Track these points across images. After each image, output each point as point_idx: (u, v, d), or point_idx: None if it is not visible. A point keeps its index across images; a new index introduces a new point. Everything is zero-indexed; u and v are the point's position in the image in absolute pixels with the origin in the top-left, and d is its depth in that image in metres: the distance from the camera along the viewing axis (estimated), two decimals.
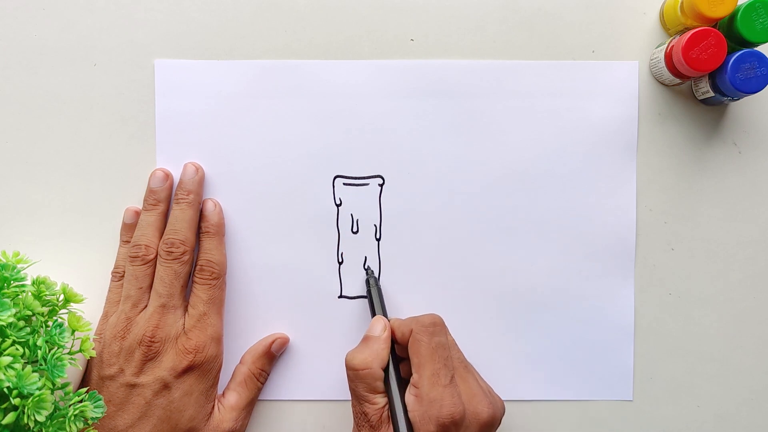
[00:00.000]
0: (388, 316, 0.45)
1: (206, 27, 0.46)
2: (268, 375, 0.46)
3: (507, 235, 0.46)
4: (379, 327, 0.42)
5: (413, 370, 0.40)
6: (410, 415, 0.39)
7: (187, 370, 0.42)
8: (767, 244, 0.47)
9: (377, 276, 0.46)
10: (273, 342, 0.45)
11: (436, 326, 0.41)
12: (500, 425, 0.42)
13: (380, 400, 0.40)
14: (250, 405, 0.45)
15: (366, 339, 0.42)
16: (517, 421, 0.47)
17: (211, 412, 0.43)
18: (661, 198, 0.47)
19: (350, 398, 0.42)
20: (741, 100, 0.46)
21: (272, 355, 0.45)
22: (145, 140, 0.46)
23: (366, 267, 0.46)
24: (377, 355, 0.41)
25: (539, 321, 0.46)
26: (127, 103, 0.46)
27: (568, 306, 0.46)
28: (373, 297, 0.45)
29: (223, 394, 0.45)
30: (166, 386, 0.41)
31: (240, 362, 0.46)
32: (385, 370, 0.41)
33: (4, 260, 0.36)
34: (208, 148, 0.46)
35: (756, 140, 0.47)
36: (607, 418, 0.47)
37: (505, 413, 0.44)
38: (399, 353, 0.43)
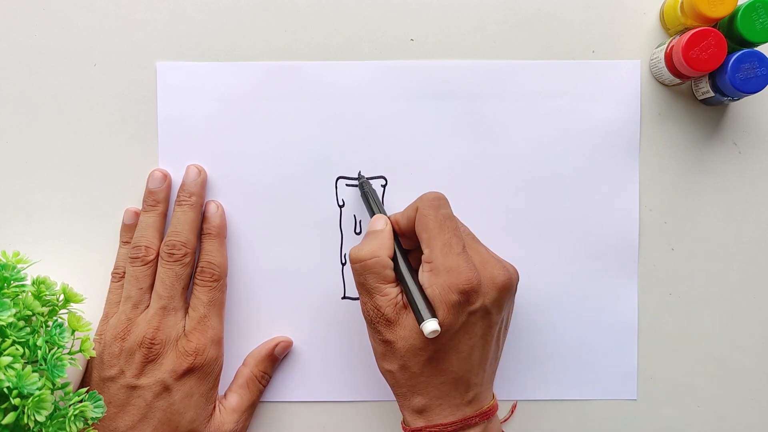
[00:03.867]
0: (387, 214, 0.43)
1: (206, 27, 0.46)
2: (270, 378, 0.46)
3: (510, 235, 0.46)
4: (380, 222, 0.41)
5: (424, 247, 0.39)
6: (428, 291, 0.38)
7: (188, 372, 0.41)
8: (767, 244, 0.47)
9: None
10: (276, 345, 0.45)
11: (440, 200, 0.40)
12: (515, 295, 0.41)
13: (392, 290, 0.39)
14: (252, 407, 0.45)
15: (368, 234, 0.41)
16: (522, 421, 0.47)
17: (212, 414, 0.43)
18: (661, 198, 0.47)
19: (359, 301, 0.40)
20: (741, 100, 0.46)
21: (275, 358, 0.45)
22: (145, 140, 0.46)
23: (359, 174, 0.46)
24: (383, 244, 0.40)
25: (542, 321, 0.46)
26: (128, 103, 0.46)
27: (571, 306, 0.46)
28: (370, 199, 0.44)
29: (225, 395, 0.45)
30: (166, 388, 0.41)
31: (243, 364, 0.45)
32: (393, 259, 0.40)
33: (4, 260, 0.36)
34: (210, 150, 0.46)
35: (756, 140, 0.47)
36: (611, 418, 0.47)
37: (509, 412, 0.44)
38: (405, 246, 0.42)
